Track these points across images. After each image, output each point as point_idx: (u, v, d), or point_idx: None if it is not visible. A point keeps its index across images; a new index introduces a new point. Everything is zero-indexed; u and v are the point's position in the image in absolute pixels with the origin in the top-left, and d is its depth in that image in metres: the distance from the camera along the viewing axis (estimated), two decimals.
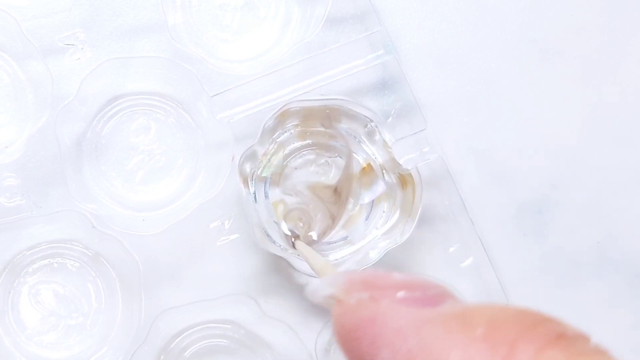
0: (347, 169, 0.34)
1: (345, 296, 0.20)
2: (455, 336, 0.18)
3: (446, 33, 0.38)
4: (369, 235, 0.35)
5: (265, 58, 0.37)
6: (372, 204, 0.36)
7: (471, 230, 0.36)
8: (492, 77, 0.38)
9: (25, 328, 0.36)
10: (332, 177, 0.36)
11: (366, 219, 0.36)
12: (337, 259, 0.35)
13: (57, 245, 0.36)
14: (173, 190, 0.36)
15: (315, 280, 0.22)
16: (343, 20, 0.37)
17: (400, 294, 0.20)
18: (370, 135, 0.36)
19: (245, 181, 0.35)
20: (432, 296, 0.20)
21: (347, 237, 0.35)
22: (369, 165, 0.36)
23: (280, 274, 0.36)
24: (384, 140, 0.35)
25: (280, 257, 0.35)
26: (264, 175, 0.35)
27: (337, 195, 0.34)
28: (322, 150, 0.36)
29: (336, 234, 0.35)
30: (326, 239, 0.35)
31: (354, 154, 0.35)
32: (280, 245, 0.35)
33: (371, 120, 0.35)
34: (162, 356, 0.35)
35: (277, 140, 0.36)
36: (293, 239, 0.33)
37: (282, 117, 0.35)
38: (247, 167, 0.35)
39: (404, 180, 0.35)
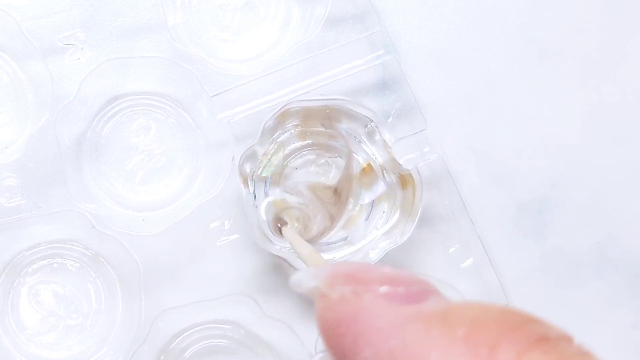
0: (347, 169, 0.34)
1: (328, 289, 0.20)
2: (436, 337, 0.18)
3: (446, 33, 0.38)
4: (369, 236, 0.35)
5: (265, 58, 0.37)
6: (372, 204, 0.36)
7: (471, 231, 0.36)
8: (492, 77, 0.38)
9: (25, 328, 0.36)
10: (332, 177, 0.36)
11: (366, 220, 0.36)
12: (336, 259, 0.35)
13: (57, 246, 0.36)
14: (173, 190, 0.36)
15: (299, 272, 0.22)
16: (343, 20, 0.37)
17: (383, 289, 0.19)
18: (370, 135, 0.36)
19: (245, 181, 0.35)
20: (415, 292, 0.19)
21: (347, 237, 0.35)
22: (369, 165, 0.36)
23: (280, 274, 0.36)
24: (384, 141, 0.35)
25: (280, 257, 0.35)
26: (264, 175, 0.35)
27: (337, 196, 0.34)
28: (322, 150, 0.36)
29: (336, 234, 0.35)
30: (326, 240, 0.35)
31: (354, 154, 0.35)
32: (279, 245, 0.35)
33: (371, 120, 0.35)
34: (162, 356, 0.35)
35: (277, 140, 0.36)
36: (280, 225, 0.33)
37: (282, 117, 0.35)
38: (247, 167, 0.35)
39: (404, 180, 0.35)
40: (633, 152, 0.38)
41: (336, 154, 0.36)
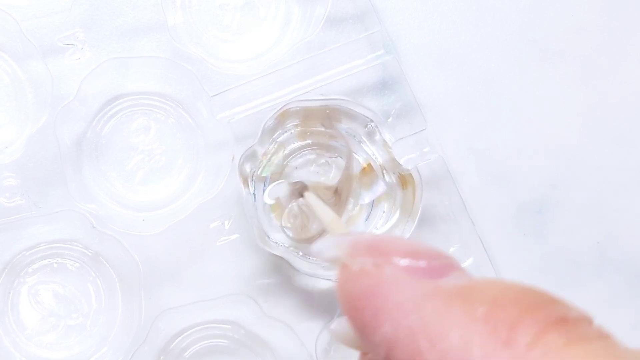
0: (348, 169, 0.34)
1: (349, 260, 0.20)
2: (455, 315, 0.17)
3: (446, 33, 0.38)
4: None
5: (265, 58, 0.37)
6: (372, 204, 0.36)
7: (471, 230, 0.36)
8: (492, 77, 0.38)
9: (25, 328, 0.36)
10: (332, 177, 0.36)
11: (366, 220, 0.36)
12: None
13: (57, 246, 0.36)
14: (173, 190, 0.36)
15: (321, 240, 0.22)
16: (343, 20, 0.37)
17: (404, 262, 0.19)
18: (370, 135, 0.36)
19: (245, 181, 0.35)
20: (437, 267, 0.19)
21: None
22: (369, 165, 0.36)
23: (280, 274, 0.36)
24: (384, 140, 0.35)
25: (280, 257, 0.35)
26: (264, 175, 0.35)
27: (337, 196, 0.34)
28: (322, 150, 0.36)
29: None
30: None
31: (354, 154, 0.35)
32: (279, 244, 0.35)
33: (371, 120, 0.35)
34: (162, 356, 0.35)
35: (277, 140, 0.36)
36: (300, 190, 0.33)
37: (282, 117, 0.35)
38: (247, 167, 0.35)
39: (404, 180, 0.35)
40: (633, 152, 0.38)
41: (336, 154, 0.36)
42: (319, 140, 0.36)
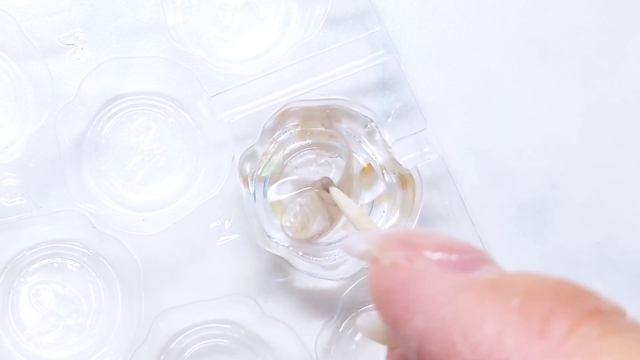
0: (348, 169, 0.34)
1: (381, 254, 0.20)
2: (489, 307, 0.17)
3: (446, 33, 0.38)
4: None
5: (265, 58, 0.37)
6: (372, 204, 0.36)
7: (471, 230, 0.36)
8: (492, 77, 0.38)
9: (25, 328, 0.36)
10: (332, 177, 0.36)
11: None
12: (336, 259, 0.35)
13: (57, 245, 0.36)
14: (173, 190, 0.36)
15: (351, 235, 0.22)
16: (343, 20, 0.37)
17: (436, 255, 0.19)
18: (370, 135, 0.36)
19: (245, 181, 0.35)
20: (469, 260, 0.19)
21: (347, 237, 0.35)
22: (369, 165, 0.36)
23: (280, 274, 0.36)
24: (384, 140, 0.35)
25: (280, 257, 0.35)
26: (264, 175, 0.35)
27: None
28: (322, 150, 0.36)
29: (336, 234, 0.35)
30: (325, 239, 0.35)
31: (354, 154, 0.35)
32: (279, 244, 0.35)
33: (371, 120, 0.35)
34: (162, 356, 0.35)
35: (277, 140, 0.36)
36: (326, 185, 0.32)
37: (282, 117, 0.35)
38: (247, 167, 0.35)
39: (404, 180, 0.35)
40: (633, 152, 0.38)
41: (336, 154, 0.36)
42: (319, 140, 0.36)
